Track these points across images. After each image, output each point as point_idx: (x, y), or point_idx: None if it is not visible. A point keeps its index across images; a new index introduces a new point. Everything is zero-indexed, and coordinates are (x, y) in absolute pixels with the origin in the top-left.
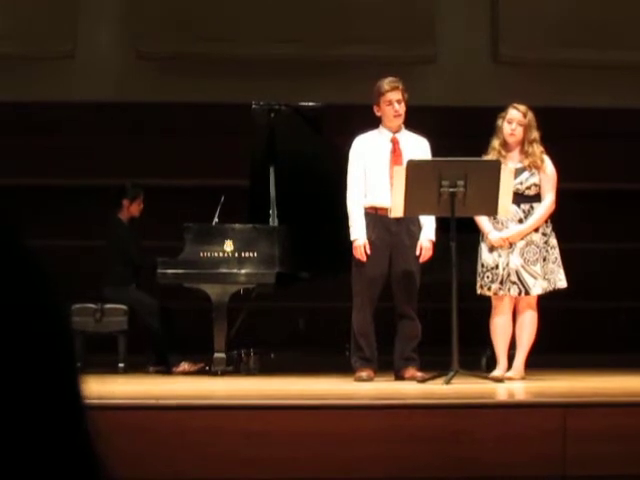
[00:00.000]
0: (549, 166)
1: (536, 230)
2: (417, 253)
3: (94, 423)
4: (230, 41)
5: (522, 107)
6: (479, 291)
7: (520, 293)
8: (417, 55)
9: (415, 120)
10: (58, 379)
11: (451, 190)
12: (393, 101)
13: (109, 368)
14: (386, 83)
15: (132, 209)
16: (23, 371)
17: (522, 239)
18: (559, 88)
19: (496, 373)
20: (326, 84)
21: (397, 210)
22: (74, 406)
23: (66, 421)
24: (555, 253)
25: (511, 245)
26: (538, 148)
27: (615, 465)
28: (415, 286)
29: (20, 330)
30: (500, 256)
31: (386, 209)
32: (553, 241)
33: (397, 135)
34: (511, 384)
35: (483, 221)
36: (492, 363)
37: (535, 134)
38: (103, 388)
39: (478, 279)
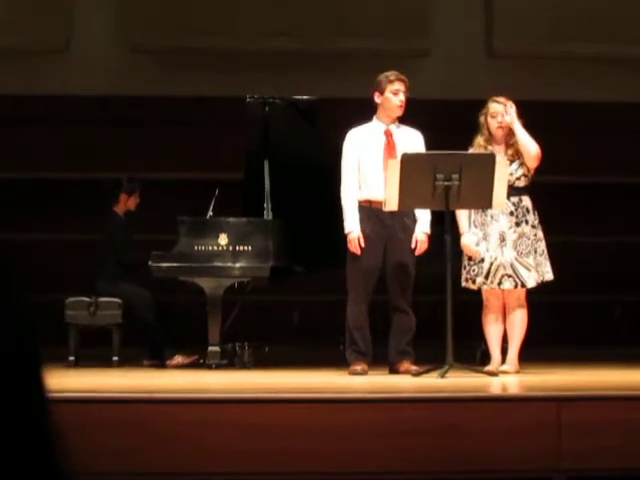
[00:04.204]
0: None
1: (526, 223)
2: (412, 246)
3: (59, 417)
4: (225, 34)
5: (501, 99)
6: (464, 284)
7: (516, 286)
8: (411, 48)
9: (409, 113)
10: (20, 373)
11: (446, 184)
12: (400, 91)
13: (103, 361)
14: (393, 74)
15: (129, 203)
16: None
17: (515, 223)
18: (553, 81)
19: (490, 367)
20: (320, 77)
21: (391, 203)
22: (37, 400)
23: (29, 415)
24: (542, 245)
25: (504, 239)
26: None
27: (610, 458)
28: (410, 279)
29: None
30: (487, 250)
31: (380, 202)
32: (540, 233)
33: (391, 128)
34: (505, 377)
35: (462, 218)
36: (486, 356)
37: (519, 122)
38: (97, 381)
39: (463, 272)
